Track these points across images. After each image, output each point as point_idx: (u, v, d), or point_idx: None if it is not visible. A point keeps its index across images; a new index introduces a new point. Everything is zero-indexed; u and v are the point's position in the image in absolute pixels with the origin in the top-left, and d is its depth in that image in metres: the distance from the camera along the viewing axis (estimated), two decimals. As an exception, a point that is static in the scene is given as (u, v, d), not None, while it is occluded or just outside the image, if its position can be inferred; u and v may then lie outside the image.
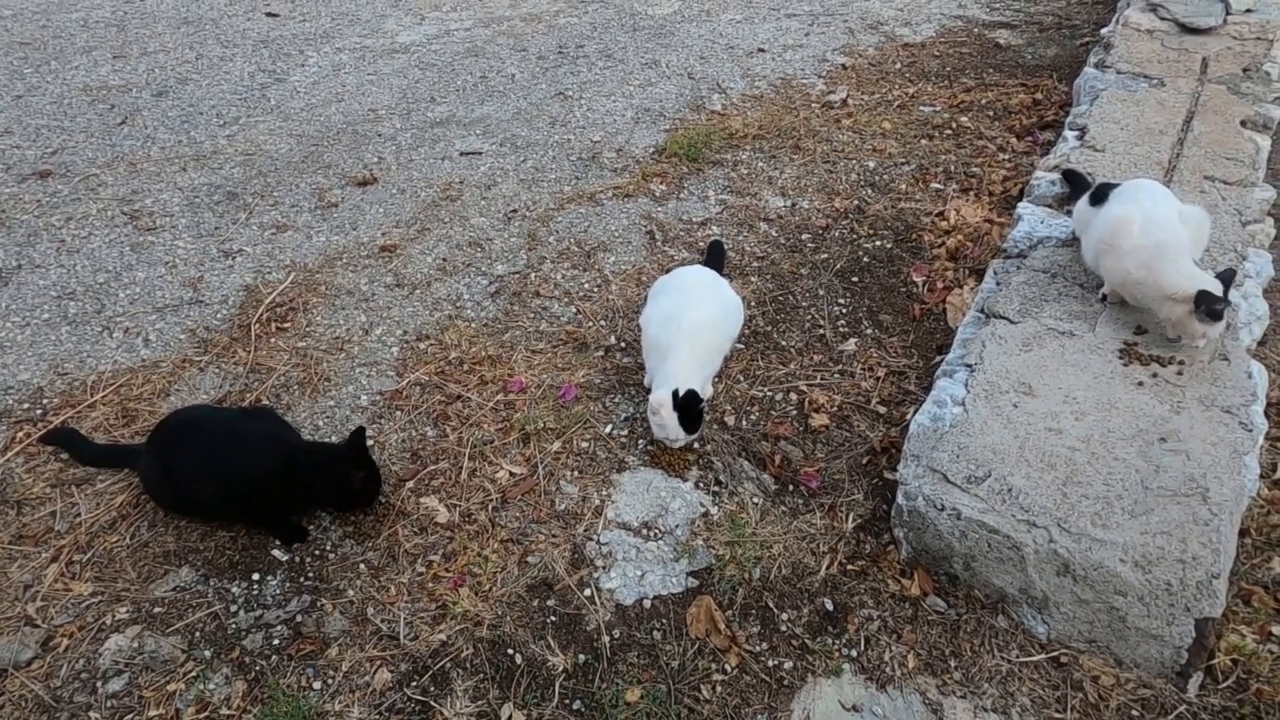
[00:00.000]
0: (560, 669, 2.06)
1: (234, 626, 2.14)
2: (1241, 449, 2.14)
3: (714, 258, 3.07)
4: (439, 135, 4.37)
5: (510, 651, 2.09)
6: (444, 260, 3.43)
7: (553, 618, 2.16)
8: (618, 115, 4.53)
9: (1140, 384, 2.32)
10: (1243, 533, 2.31)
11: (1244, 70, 4.00)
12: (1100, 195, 2.69)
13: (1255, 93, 3.80)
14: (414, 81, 4.98)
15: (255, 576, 2.26)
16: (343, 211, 3.75)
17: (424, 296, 3.24)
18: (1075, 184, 3.15)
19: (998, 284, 2.74)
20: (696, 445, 2.56)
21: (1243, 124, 3.56)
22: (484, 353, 2.93)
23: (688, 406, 2.40)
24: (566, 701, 2.01)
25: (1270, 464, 2.52)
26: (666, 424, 2.42)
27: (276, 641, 2.11)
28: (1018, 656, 2.04)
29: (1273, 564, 2.26)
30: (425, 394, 2.80)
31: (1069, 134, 3.64)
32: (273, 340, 3.02)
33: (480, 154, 4.18)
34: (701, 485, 2.47)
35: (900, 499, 2.22)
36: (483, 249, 3.50)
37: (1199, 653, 1.94)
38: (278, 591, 2.24)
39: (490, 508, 2.42)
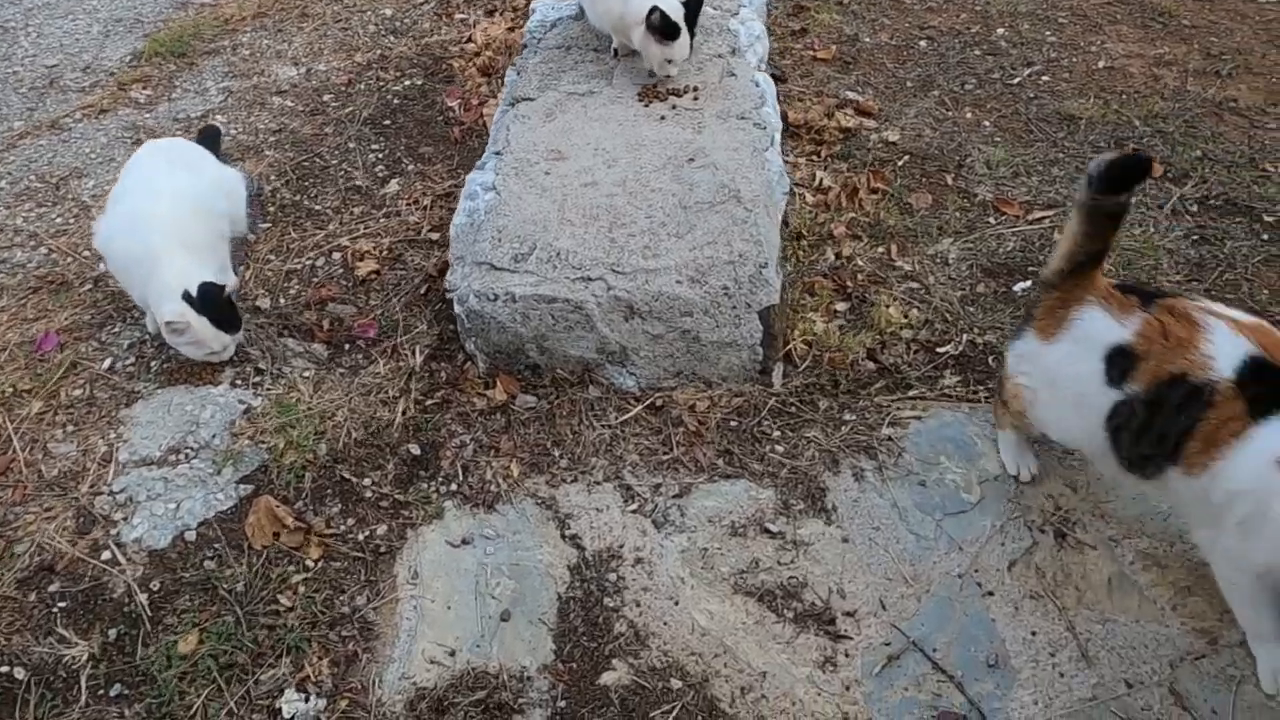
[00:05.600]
0: (85, 657, 1.55)
1: None
2: (760, 146, 2.14)
3: (207, 142, 2.52)
4: None
5: (5, 669, 1.54)
6: None
7: (61, 604, 1.62)
8: (81, 34, 3.64)
9: (663, 118, 2.23)
10: (797, 235, 2.37)
11: None
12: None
13: None
14: None
15: None
16: None
17: None
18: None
19: (518, 73, 2.52)
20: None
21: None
22: (-88, 335, 2.16)
23: (213, 302, 1.91)
24: (100, 691, 1.51)
25: (811, 175, 2.62)
26: (202, 336, 1.92)
27: None
28: (617, 418, 1.90)
29: (827, 255, 2.34)
30: None
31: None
32: None
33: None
34: (240, 382, 2.01)
35: (457, 308, 1.95)
36: (-99, 220, 2.61)
37: (772, 344, 1.92)
38: None
39: (-53, 514, 1.77)
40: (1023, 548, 1.62)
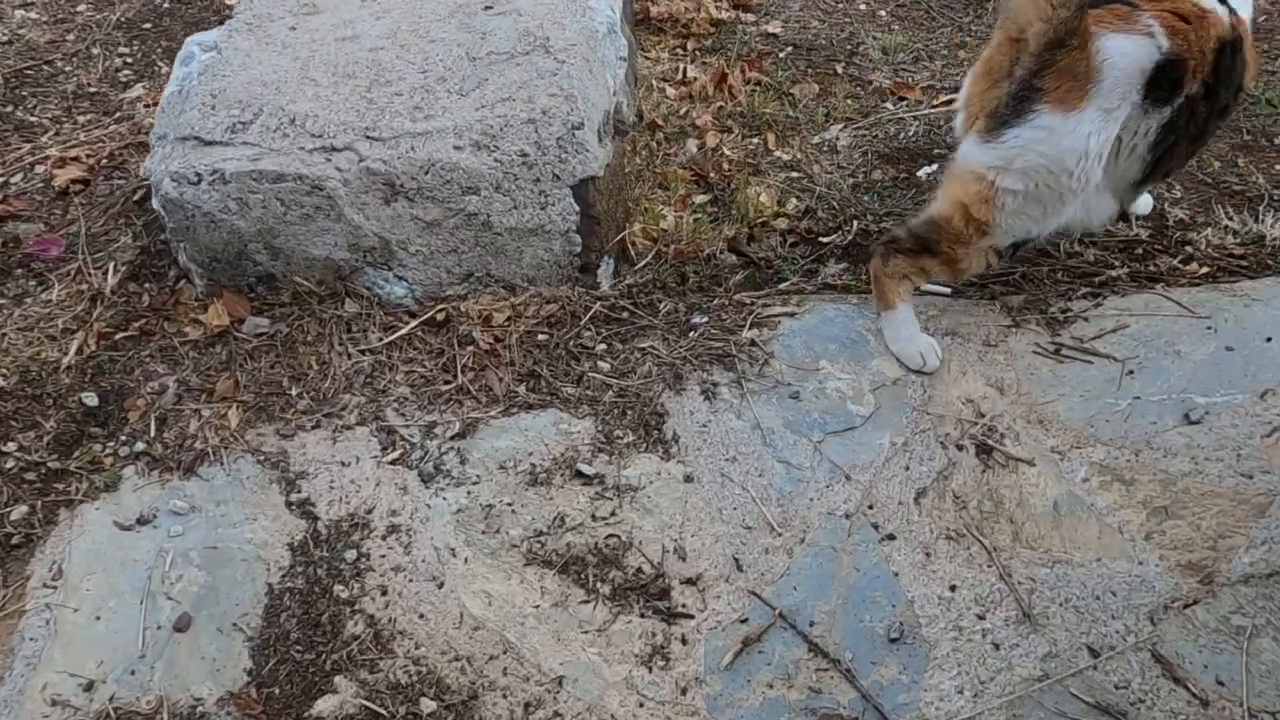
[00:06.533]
0: None
1: None
2: (582, -10, 1.65)
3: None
4: None
5: None
6: None
7: None
8: None
9: (459, -32, 1.74)
10: (651, 127, 1.91)
11: None
12: None
13: None
14: None
15: None
16: None
17: None
18: None
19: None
20: None
21: None
22: None
23: None
24: None
25: (675, 67, 2.17)
26: None
27: None
28: (382, 340, 1.37)
29: (687, 147, 1.88)
30: None
31: None
32: None
33: None
34: None
35: (155, 203, 1.41)
36: None
37: (594, 232, 1.42)
38: None
39: None
40: (934, 471, 1.15)
